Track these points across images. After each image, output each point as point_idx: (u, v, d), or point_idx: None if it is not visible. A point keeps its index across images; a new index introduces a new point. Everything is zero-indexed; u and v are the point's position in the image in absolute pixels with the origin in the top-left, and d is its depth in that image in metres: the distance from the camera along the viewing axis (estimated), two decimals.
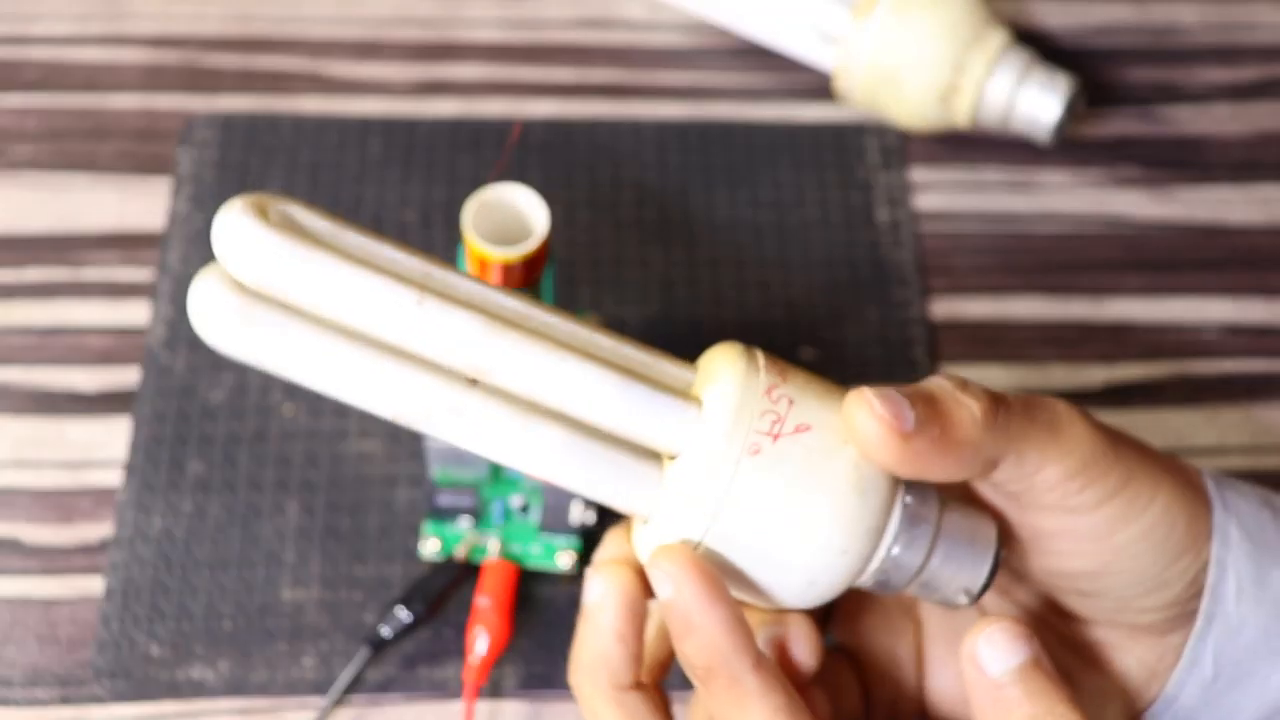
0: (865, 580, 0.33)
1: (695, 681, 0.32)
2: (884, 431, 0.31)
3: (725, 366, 0.32)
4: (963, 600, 0.34)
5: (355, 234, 0.31)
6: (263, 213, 0.30)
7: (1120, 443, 0.34)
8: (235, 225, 0.30)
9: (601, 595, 0.33)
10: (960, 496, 0.35)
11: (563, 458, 0.32)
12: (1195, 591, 0.35)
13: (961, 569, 0.33)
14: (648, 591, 0.33)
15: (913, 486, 0.33)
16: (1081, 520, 0.34)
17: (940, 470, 0.32)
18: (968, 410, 0.32)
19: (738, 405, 0.31)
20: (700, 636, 0.31)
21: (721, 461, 0.31)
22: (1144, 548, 0.34)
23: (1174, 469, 0.35)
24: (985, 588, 0.33)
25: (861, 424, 0.31)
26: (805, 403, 0.32)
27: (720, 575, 0.32)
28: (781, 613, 0.35)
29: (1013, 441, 0.32)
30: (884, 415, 0.31)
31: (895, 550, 0.32)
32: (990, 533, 0.33)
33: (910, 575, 0.33)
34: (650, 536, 0.32)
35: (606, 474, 0.32)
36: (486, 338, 0.31)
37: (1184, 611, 0.35)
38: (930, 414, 0.31)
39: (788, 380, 0.32)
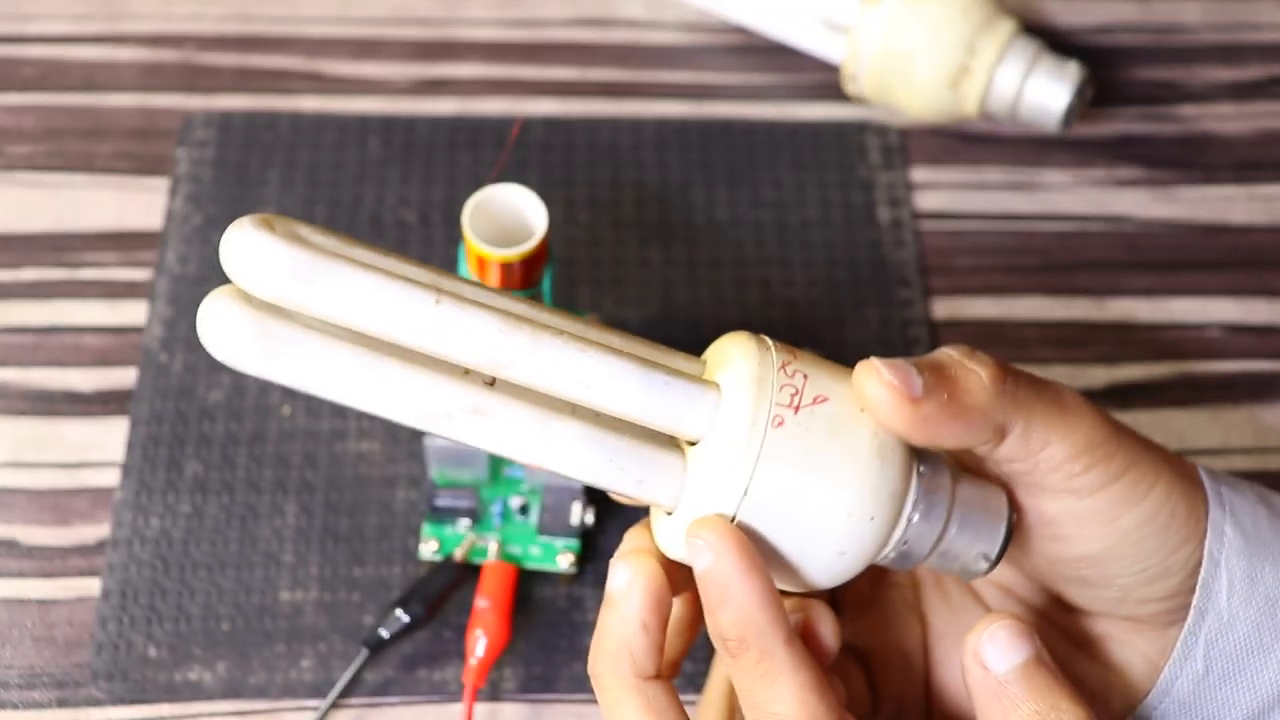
0: (889, 551, 0.33)
1: (726, 655, 0.32)
2: (893, 397, 0.31)
3: (737, 349, 0.33)
4: (982, 566, 0.34)
5: (360, 249, 0.31)
6: (271, 228, 0.30)
7: (1121, 429, 0.34)
8: (246, 240, 0.30)
9: (627, 583, 0.33)
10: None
11: (584, 452, 0.32)
12: (1196, 583, 0.35)
13: (979, 534, 0.34)
14: (672, 583, 0.33)
15: (925, 458, 0.33)
16: (1085, 503, 0.34)
17: (951, 435, 0.32)
18: (976, 376, 0.32)
19: (757, 381, 0.32)
20: (736, 607, 0.31)
21: (748, 436, 0.31)
22: (1147, 532, 0.34)
23: (1172, 460, 0.35)
24: (1003, 551, 0.34)
25: (871, 391, 0.32)
26: (818, 376, 0.32)
27: (756, 548, 0.32)
28: (804, 599, 0.35)
29: (1020, 410, 0.33)
30: (892, 381, 0.31)
31: (915, 517, 0.33)
32: (1001, 498, 0.34)
33: (931, 544, 0.33)
34: (678, 521, 0.33)
35: (628, 465, 0.32)
36: (504, 335, 0.31)
37: (1185, 604, 0.35)
38: (938, 379, 0.32)
39: (798, 358, 0.33)
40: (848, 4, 0.54)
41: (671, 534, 0.33)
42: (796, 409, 0.32)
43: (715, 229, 0.53)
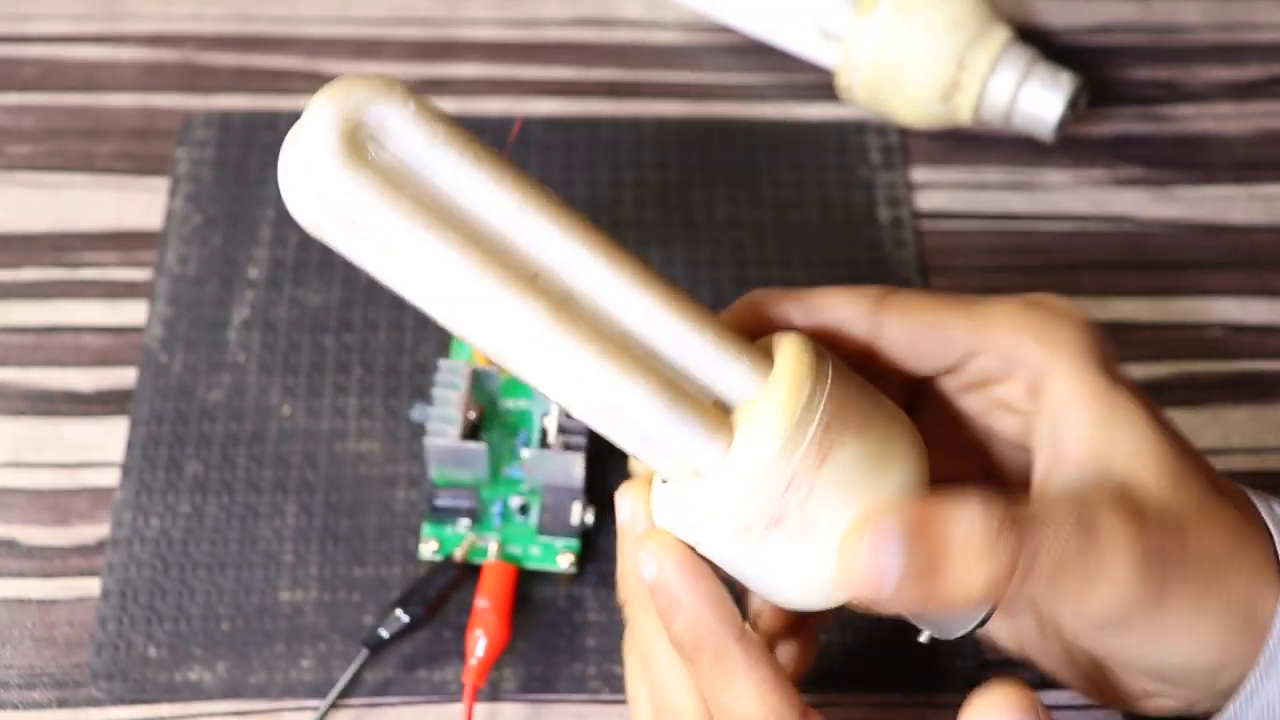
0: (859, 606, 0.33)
1: (687, 665, 0.33)
2: (863, 593, 0.31)
3: (769, 423, 0.31)
4: (950, 635, 0.34)
5: (449, 158, 0.30)
6: (350, 156, 0.29)
7: (1174, 563, 0.32)
8: (310, 167, 0.29)
9: (632, 511, 0.34)
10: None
11: (612, 415, 0.31)
12: (1218, 694, 0.33)
13: (952, 615, 0.33)
14: None
15: None
16: (1101, 648, 0.33)
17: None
18: (970, 581, 0.30)
19: (752, 492, 0.31)
20: (686, 613, 0.32)
21: (718, 530, 0.31)
22: (1169, 673, 0.33)
23: (1237, 589, 0.32)
24: (972, 633, 0.33)
25: (844, 577, 0.31)
26: (822, 495, 0.31)
27: (704, 562, 0.32)
28: None
29: (1029, 600, 0.31)
30: (867, 579, 0.30)
31: None
32: None
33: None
34: (664, 498, 0.33)
35: (641, 442, 0.32)
36: (543, 332, 0.30)
37: (1230, 678, 0.34)
38: (926, 575, 0.30)
39: (828, 457, 0.31)
40: (842, 13, 0.54)
41: (660, 501, 0.33)
42: (766, 532, 0.31)
43: (715, 229, 0.53)
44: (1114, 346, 0.35)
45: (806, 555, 0.31)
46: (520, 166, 0.31)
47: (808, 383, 0.31)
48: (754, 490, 0.31)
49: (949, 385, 0.36)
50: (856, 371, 0.36)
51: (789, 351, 0.32)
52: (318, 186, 0.29)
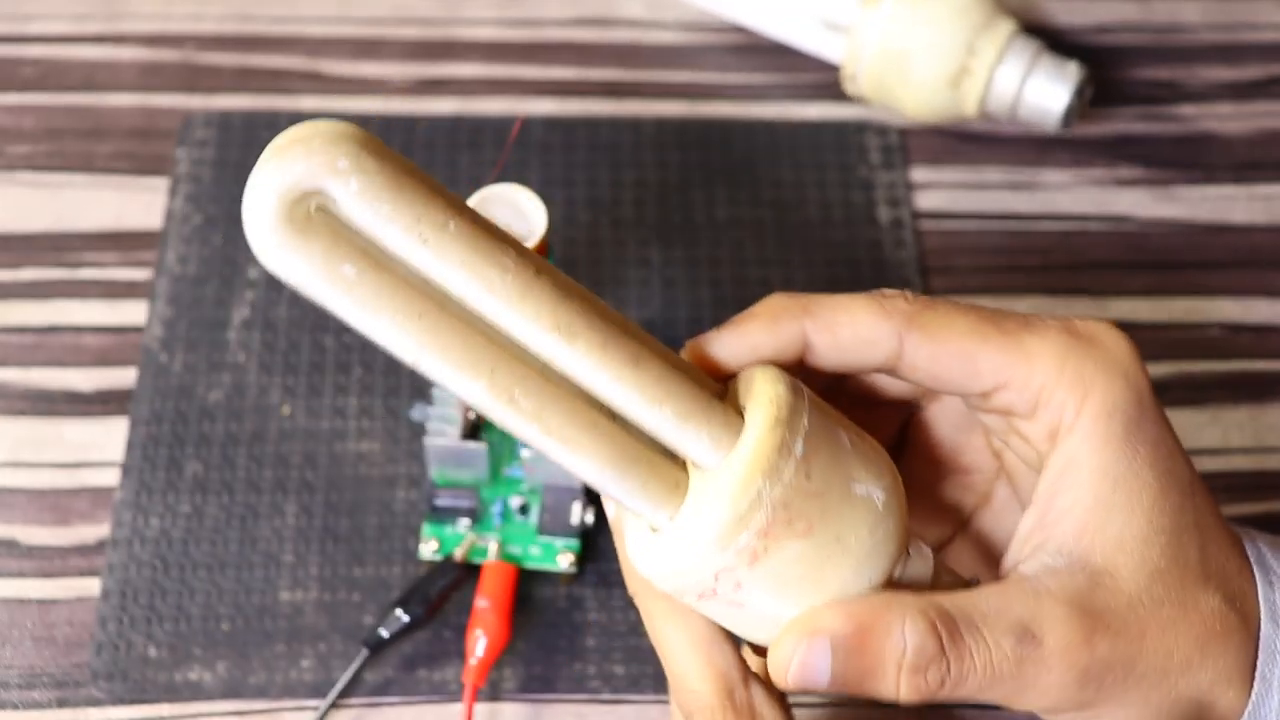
0: None
1: None
2: (793, 689, 0.31)
3: (706, 514, 0.30)
4: None
5: (394, 233, 0.29)
6: (295, 224, 0.28)
7: (1119, 674, 0.31)
8: (260, 228, 0.28)
9: (618, 509, 0.34)
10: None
11: (587, 461, 0.31)
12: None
13: None
14: None
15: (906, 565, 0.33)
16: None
17: None
18: (899, 692, 0.31)
19: (684, 570, 0.31)
20: (674, 684, 0.33)
21: (662, 584, 0.32)
22: None
23: (1187, 692, 0.32)
24: None
25: (775, 670, 0.31)
26: (753, 588, 0.31)
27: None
28: None
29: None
30: (795, 684, 0.31)
31: None
32: None
33: None
34: (629, 538, 0.33)
35: (616, 489, 0.31)
36: (488, 405, 0.30)
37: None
38: (855, 682, 0.31)
39: (763, 556, 0.30)
40: (847, 4, 0.54)
41: (632, 523, 0.33)
42: (733, 587, 0.31)
43: (715, 229, 0.53)
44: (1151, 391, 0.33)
45: (742, 623, 0.32)
46: (480, 220, 0.30)
47: (758, 478, 0.30)
48: (686, 569, 0.31)
49: (972, 400, 0.35)
50: (863, 387, 0.36)
51: (755, 429, 0.30)
52: (261, 256, 0.28)
